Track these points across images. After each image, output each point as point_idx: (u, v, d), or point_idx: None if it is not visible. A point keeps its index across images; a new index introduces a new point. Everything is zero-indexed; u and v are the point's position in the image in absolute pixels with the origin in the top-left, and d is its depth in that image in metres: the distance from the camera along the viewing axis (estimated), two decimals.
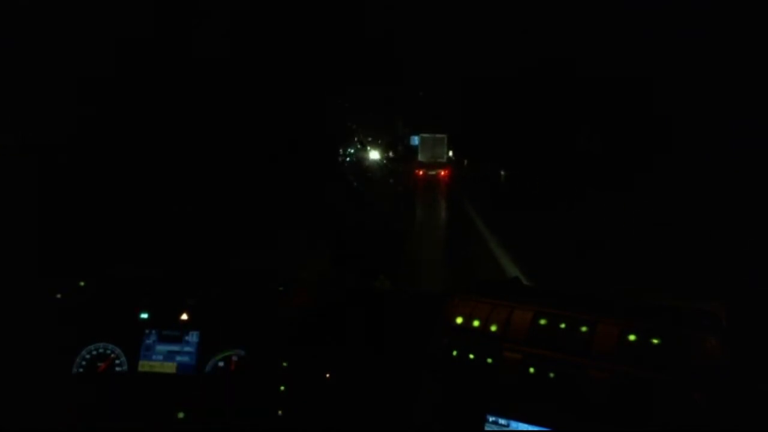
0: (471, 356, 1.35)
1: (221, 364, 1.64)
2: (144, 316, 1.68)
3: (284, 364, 1.58)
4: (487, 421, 1.30)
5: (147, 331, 1.66)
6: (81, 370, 1.63)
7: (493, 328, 1.36)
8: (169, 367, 1.64)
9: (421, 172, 27.13)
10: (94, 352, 1.64)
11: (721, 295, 1.34)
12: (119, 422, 1.56)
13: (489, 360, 1.33)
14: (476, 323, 1.38)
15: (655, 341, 1.21)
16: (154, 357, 1.65)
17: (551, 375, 1.26)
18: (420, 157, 29.40)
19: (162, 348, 1.65)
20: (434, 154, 29.48)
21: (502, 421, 1.29)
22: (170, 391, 1.60)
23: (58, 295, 1.71)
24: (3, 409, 1.52)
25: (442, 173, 27.14)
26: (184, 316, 1.68)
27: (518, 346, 1.32)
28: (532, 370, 1.28)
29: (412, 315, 1.66)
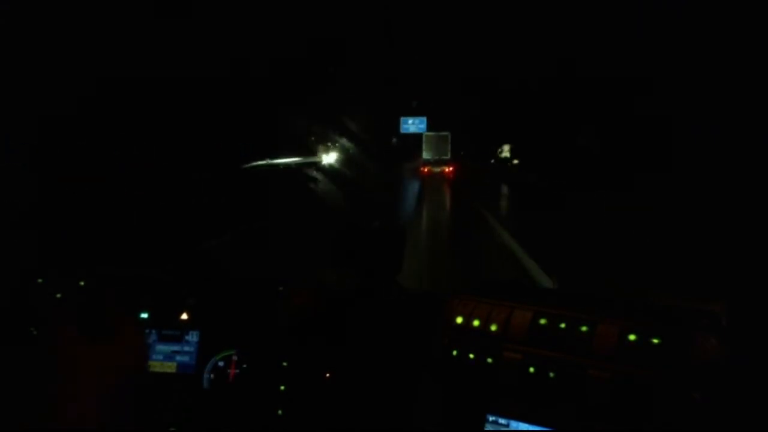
0: (471, 356, 1.35)
1: (221, 363, 1.64)
2: (144, 315, 1.68)
3: (284, 364, 1.58)
4: (487, 421, 1.30)
5: (147, 331, 1.66)
6: None
7: (493, 328, 1.36)
8: (169, 367, 1.64)
9: (426, 169, 29.12)
10: None
11: (721, 295, 1.34)
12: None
13: (489, 360, 1.33)
14: (476, 323, 1.38)
15: (655, 341, 1.21)
16: (154, 357, 1.65)
17: (551, 375, 1.26)
18: (424, 155, 30.86)
19: (162, 348, 1.65)
20: (438, 152, 30.68)
21: (502, 421, 1.29)
22: (170, 391, 1.60)
23: (58, 295, 1.71)
24: (3, 409, 1.52)
25: (447, 170, 28.67)
26: (184, 316, 1.68)
27: (518, 346, 1.32)
28: (532, 370, 1.28)
29: (412, 315, 1.66)
